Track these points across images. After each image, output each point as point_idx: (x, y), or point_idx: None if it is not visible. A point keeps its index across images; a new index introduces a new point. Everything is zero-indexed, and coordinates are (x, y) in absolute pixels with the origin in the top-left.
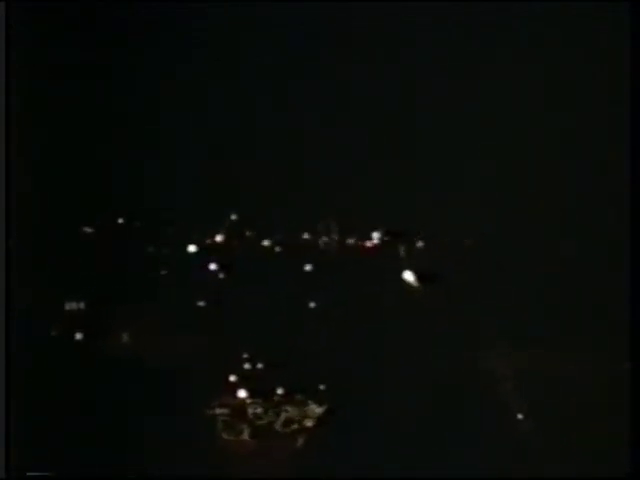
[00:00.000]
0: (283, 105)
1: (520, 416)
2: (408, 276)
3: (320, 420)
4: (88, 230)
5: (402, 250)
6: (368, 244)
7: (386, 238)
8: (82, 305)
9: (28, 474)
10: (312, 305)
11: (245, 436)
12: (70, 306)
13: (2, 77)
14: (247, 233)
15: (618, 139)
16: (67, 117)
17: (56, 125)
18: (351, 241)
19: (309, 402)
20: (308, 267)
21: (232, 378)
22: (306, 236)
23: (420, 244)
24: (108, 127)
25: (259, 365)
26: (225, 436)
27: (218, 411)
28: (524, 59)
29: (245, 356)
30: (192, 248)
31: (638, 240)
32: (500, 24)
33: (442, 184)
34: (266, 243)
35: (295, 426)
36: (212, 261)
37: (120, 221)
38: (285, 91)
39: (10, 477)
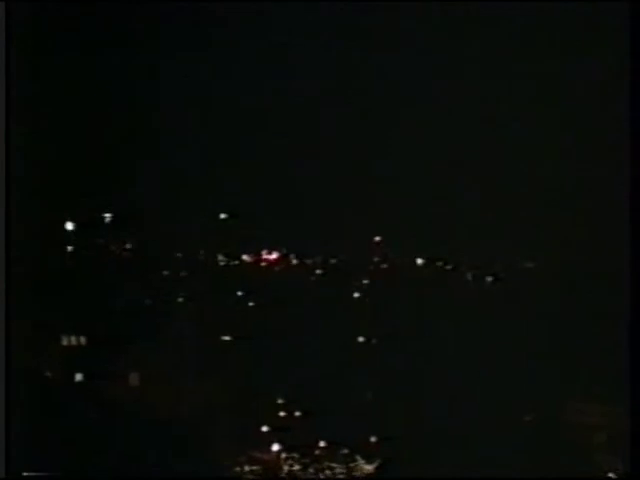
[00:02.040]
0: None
1: (611, 475)
2: None
3: (370, 479)
4: (89, 249)
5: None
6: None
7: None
8: (83, 340)
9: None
10: (361, 339)
11: None
12: (68, 341)
13: (2, 77)
14: (282, 251)
15: (618, 139)
16: (67, 117)
17: (56, 126)
18: (402, 261)
19: (357, 457)
20: (357, 294)
21: (264, 428)
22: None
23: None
24: (111, 130)
25: (296, 413)
26: None
27: (247, 468)
28: (524, 59)
29: (280, 402)
30: (215, 270)
31: None
32: (500, 24)
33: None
34: (307, 263)
35: None
36: (239, 286)
37: (130, 240)
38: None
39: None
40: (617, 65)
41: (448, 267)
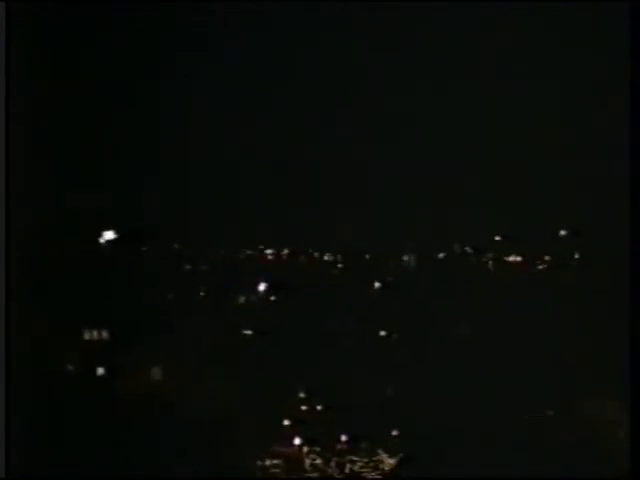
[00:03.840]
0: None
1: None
2: None
3: (392, 473)
4: (111, 243)
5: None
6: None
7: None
8: (104, 334)
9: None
10: (382, 333)
11: None
12: (90, 335)
13: (2, 77)
14: (304, 246)
15: (618, 139)
16: (67, 118)
17: (58, 126)
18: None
19: (379, 451)
20: (377, 287)
21: (286, 422)
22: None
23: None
24: (115, 128)
25: (318, 407)
26: None
27: (269, 462)
28: (525, 59)
29: (301, 396)
30: (237, 264)
31: None
32: (500, 24)
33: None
34: (327, 258)
35: None
36: (261, 280)
37: (150, 233)
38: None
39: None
40: (617, 65)
41: (467, 260)
